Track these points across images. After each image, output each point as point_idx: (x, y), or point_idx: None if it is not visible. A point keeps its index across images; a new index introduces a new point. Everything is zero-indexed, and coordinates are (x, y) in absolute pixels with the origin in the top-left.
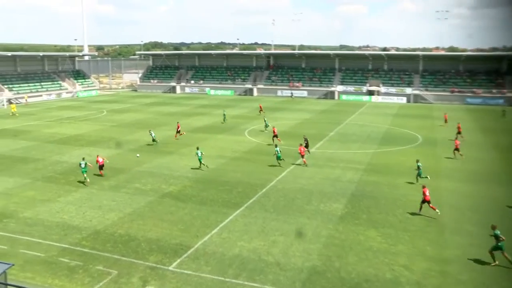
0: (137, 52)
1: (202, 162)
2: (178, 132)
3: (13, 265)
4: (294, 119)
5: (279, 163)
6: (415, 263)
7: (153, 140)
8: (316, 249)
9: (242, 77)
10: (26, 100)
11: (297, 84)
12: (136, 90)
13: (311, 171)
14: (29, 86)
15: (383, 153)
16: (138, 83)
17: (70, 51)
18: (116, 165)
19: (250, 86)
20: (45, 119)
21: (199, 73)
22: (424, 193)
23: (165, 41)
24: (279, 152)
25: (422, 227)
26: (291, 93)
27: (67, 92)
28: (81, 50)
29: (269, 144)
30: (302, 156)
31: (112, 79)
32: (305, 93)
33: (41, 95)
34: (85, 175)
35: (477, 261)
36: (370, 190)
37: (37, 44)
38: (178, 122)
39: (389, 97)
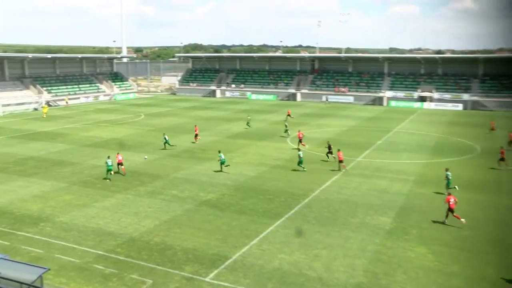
0: (177, 55)
1: (225, 164)
2: (196, 135)
3: (49, 269)
4: (339, 126)
5: (303, 168)
6: (474, 287)
7: (166, 143)
8: (361, 265)
9: (285, 81)
10: (66, 102)
11: (343, 89)
12: (175, 94)
13: (357, 182)
14: (67, 88)
15: (435, 164)
16: (177, 86)
17: (108, 53)
18: (153, 171)
19: (293, 90)
20: (82, 122)
21: (240, 77)
22: (448, 201)
23: (205, 43)
24: (301, 156)
25: (480, 246)
26: (326, 97)
27: (104, 95)
28: (119, 52)
29: (293, 148)
30: (341, 161)
31: (151, 82)
32: (351, 99)
33: (79, 98)
34: (110, 173)
35: None
36: (420, 204)
37: (76, 46)
38: (196, 126)
39: (443, 104)
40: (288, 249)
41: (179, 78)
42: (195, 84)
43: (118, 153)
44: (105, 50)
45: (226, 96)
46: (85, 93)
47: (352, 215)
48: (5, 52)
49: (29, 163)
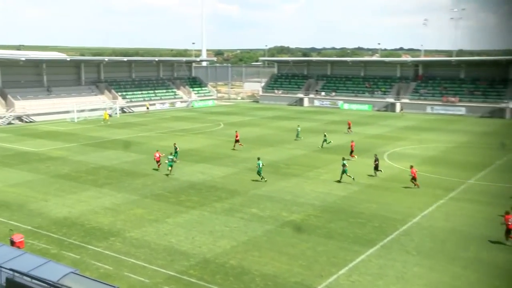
0: (261, 58)
1: (262, 175)
2: (237, 141)
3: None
4: (445, 141)
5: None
6: None
7: (171, 157)
8: None
9: (383, 89)
10: (147, 108)
11: (453, 99)
12: (257, 101)
13: (469, 209)
14: (142, 93)
15: None
16: (260, 93)
17: (187, 56)
18: (231, 186)
19: (392, 100)
20: (157, 130)
21: (331, 84)
22: (506, 221)
23: (292, 45)
24: (345, 166)
25: None
26: (401, 107)
27: (181, 101)
28: (198, 55)
29: (344, 158)
30: (414, 179)
31: (231, 88)
32: (462, 110)
33: (154, 104)
34: (169, 168)
35: None
36: None
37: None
38: (236, 131)
39: None
40: (383, 282)
41: (262, 84)
42: (280, 92)
43: (157, 150)
44: (184, 52)
45: (315, 105)
46: (161, 99)
47: (463, 248)
48: (82, 55)
49: (101, 173)
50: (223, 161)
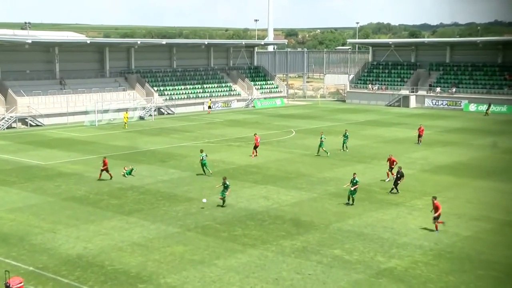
0: (349, 41)
1: (206, 167)
2: (255, 147)
3: None
4: None
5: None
6: None
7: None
8: None
9: None
10: (209, 107)
11: None
12: (343, 101)
13: None
14: (186, 89)
15: None
16: (348, 89)
17: (247, 38)
18: (305, 216)
19: None
20: (205, 138)
21: (450, 75)
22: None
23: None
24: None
25: None
26: (489, 104)
27: (238, 100)
28: (263, 37)
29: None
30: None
31: (308, 82)
32: None
33: (201, 103)
34: (205, 168)
35: None
36: None
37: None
38: (255, 134)
39: None
40: None
41: (351, 77)
42: (375, 87)
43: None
44: (243, 33)
45: (425, 106)
46: (211, 96)
47: None
48: (106, 37)
49: (129, 196)
50: (294, 182)
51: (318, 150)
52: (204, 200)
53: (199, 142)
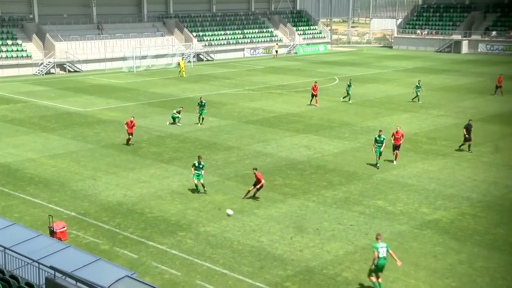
0: None
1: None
2: (314, 96)
3: None
4: None
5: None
6: None
7: (174, 121)
8: None
9: None
10: (276, 51)
11: None
12: (390, 47)
13: None
14: (226, 34)
15: None
16: (395, 34)
17: None
18: (347, 167)
19: None
20: (245, 86)
21: (509, 17)
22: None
23: None
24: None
25: None
26: None
27: (280, 46)
28: None
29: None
30: None
31: (353, 27)
32: None
33: (242, 49)
34: (202, 116)
35: None
36: None
37: None
38: (315, 82)
39: None
40: None
41: (399, 21)
42: (425, 32)
43: (132, 117)
44: None
45: (479, 52)
46: (251, 42)
47: None
48: None
49: (168, 144)
50: (337, 131)
51: (347, 96)
52: (230, 212)
53: (239, 89)
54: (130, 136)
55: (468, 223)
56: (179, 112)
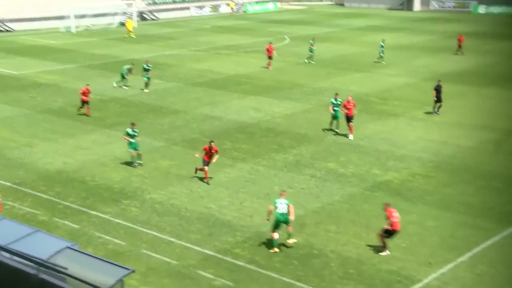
0: None
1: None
2: (270, 58)
3: (133, 271)
4: None
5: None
6: None
7: (122, 78)
8: None
9: None
10: (232, 9)
11: None
12: (342, 4)
13: None
14: None
15: None
16: None
17: None
18: (298, 129)
19: None
20: (191, 46)
21: None
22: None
23: None
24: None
25: None
26: None
27: (228, 4)
28: None
29: None
30: None
31: None
32: None
33: (187, 8)
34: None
35: None
36: None
37: None
38: (270, 43)
39: None
40: None
41: None
42: None
43: (87, 85)
44: None
45: (431, 9)
46: (198, 0)
47: None
48: None
49: (111, 108)
50: (288, 92)
51: (309, 57)
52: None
53: (185, 50)
54: (88, 106)
55: (418, 183)
56: (130, 71)
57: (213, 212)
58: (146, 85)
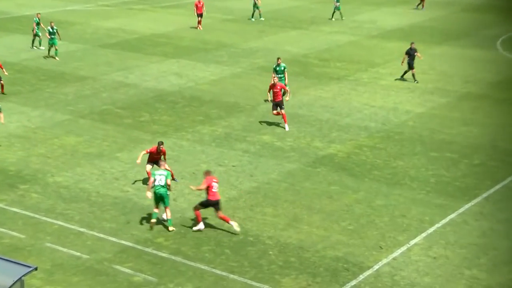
0: None
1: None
2: (199, 16)
3: (35, 269)
4: None
5: None
6: None
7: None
8: None
9: None
10: None
11: None
12: None
13: None
14: None
15: None
16: None
17: None
18: (227, 97)
19: None
20: (99, 1)
21: None
22: None
23: None
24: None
25: None
26: None
27: None
28: None
29: None
30: None
31: None
32: None
33: None
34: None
35: None
36: None
37: None
38: None
39: None
40: (485, 260)
41: None
42: None
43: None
44: None
45: None
46: None
47: None
48: None
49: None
50: (214, 54)
51: (253, 14)
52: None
53: (91, 5)
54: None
55: (366, 156)
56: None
57: (130, 196)
58: (52, 50)
